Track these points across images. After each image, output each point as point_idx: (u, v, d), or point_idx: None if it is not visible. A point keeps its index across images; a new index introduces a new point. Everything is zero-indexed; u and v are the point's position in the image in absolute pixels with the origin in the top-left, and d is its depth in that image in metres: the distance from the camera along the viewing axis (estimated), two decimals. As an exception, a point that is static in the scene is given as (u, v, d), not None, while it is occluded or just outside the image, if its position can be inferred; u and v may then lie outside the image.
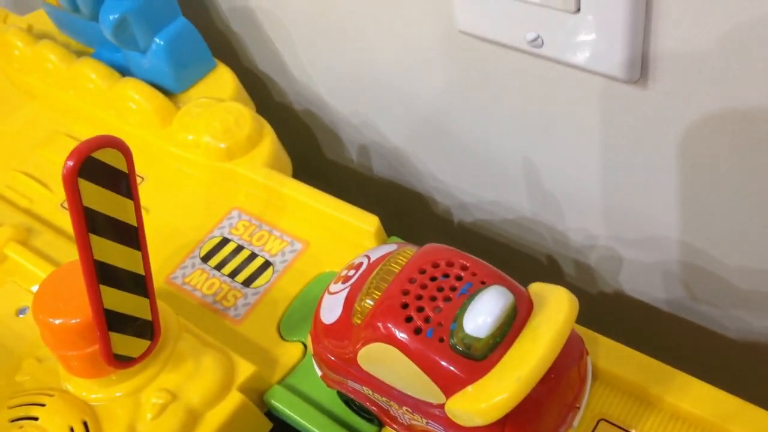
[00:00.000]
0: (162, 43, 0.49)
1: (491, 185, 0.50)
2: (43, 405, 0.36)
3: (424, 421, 0.32)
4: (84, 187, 0.30)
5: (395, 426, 0.34)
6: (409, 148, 0.54)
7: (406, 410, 0.32)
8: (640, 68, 0.35)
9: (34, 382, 0.38)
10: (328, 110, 0.57)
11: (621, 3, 0.33)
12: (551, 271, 0.53)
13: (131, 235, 0.33)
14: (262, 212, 0.46)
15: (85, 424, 0.36)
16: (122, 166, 0.31)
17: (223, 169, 0.47)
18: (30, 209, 0.50)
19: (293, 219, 0.45)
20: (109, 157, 0.30)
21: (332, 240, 0.43)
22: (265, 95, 0.60)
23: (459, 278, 0.31)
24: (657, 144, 0.37)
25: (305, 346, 0.40)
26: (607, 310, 0.51)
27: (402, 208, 0.59)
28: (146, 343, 0.36)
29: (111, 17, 0.48)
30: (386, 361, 0.31)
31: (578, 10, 0.34)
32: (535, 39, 0.37)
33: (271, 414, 0.39)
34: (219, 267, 0.44)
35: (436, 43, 0.42)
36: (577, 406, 0.32)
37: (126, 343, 0.35)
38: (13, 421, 0.36)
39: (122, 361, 0.35)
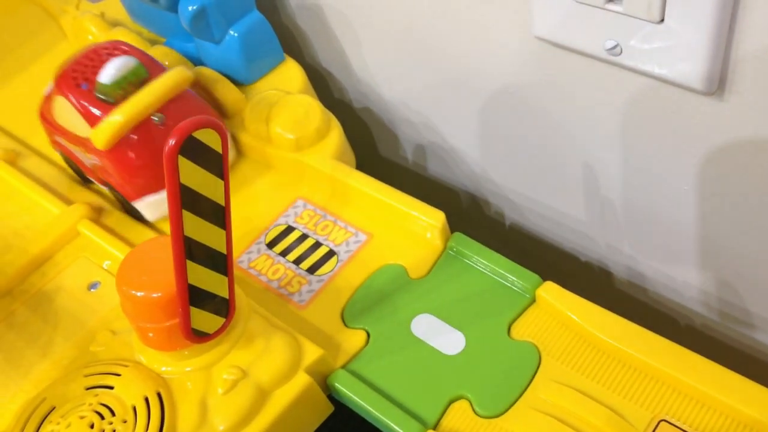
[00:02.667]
0: (236, 35, 0.51)
1: (548, 190, 0.51)
2: (118, 375, 0.38)
3: (91, 156, 0.46)
4: (182, 165, 0.31)
5: (84, 170, 0.49)
6: (468, 150, 0.55)
7: (82, 150, 0.46)
8: (718, 81, 0.36)
9: (109, 353, 0.40)
10: (388, 110, 0.58)
11: (708, 15, 0.33)
12: (601, 277, 0.53)
13: (219, 215, 0.34)
14: (327, 203, 0.47)
15: (159, 395, 0.37)
16: (218, 147, 0.32)
17: (290, 159, 0.48)
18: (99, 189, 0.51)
19: (358, 211, 0.46)
20: (207, 137, 0.32)
21: (397, 233, 0.44)
22: (325, 91, 0.61)
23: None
24: (728, 157, 0.38)
25: (368, 334, 0.41)
26: (655, 319, 0.52)
27: (454, 208, 0.60)
28: (221, 320, 0.37)
29: (190, 8, 0.49)
30: (64, 111, 0.46)
31: (662, 20, 0.35)
32: (614, 47, 0.38)
33: (332, 399, 0.40)
34: (284, 254, 0.45)
35: (510, 48, 0.44)
36: None
37: (203, 319, 0.36)
38: (89, 389, 0.38)
39: (199, 336, 0.36)
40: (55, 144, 0.50)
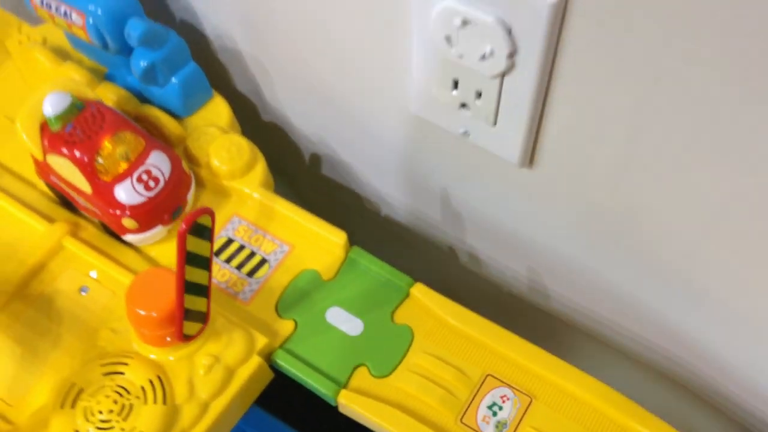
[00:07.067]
0: (177, 82, 0.64)
1: (415, 200, 0.70)
2: (126, 364, 0.54)
3: (88, 204, 0.60)
4: (188, 239, 0.47)
5: (76, 205, 0.62)
6: (349, 161, 0.72)
7: (82, 198, 0.59)
8: (529, 159, 0.55)
9: (113, 347, 0.55)
10: (292, 128, 0.74)
11: (522, 125, 0.52)
12: (450, 258, 0.74)
13: (206, 263, 0.50)
14: (257, 220, 0.63)
15: (159, 377, 0.53)
16: (209, 224, 0.48)
17: (226, 185, 0.64)
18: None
19: (282, 227, 0.62)
20: (204, 219, 0.47)
21: (311, 245, 0.61)
22: (243, 115, 0.75)
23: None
24: (532, 207, 0.59)
25: (296, 322, 0.59)
26: (487, 290, 0.74)
27: (343, 202, 0.78)
28: (200, 325, 0.53)
29: (142, 63, 0.62)
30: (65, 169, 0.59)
31: (495, 123, 0.54)
32: (465, 132, 0.56)
33: (272, 368, 0.58)
34: (228, 261, 0.61)
35: (393, 116, 0.61)
36: None
37: (190, 326, 0.52)
38: (105, 374, 0.54)
39: (186, 338, 0.53)
40: (50, 182, 0.62)
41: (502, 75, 0.47)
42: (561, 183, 0.55)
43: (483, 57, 0.46)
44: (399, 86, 0.58)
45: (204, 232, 0.48)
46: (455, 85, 0.52)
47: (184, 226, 0.46)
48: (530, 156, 0.55)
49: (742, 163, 0.44)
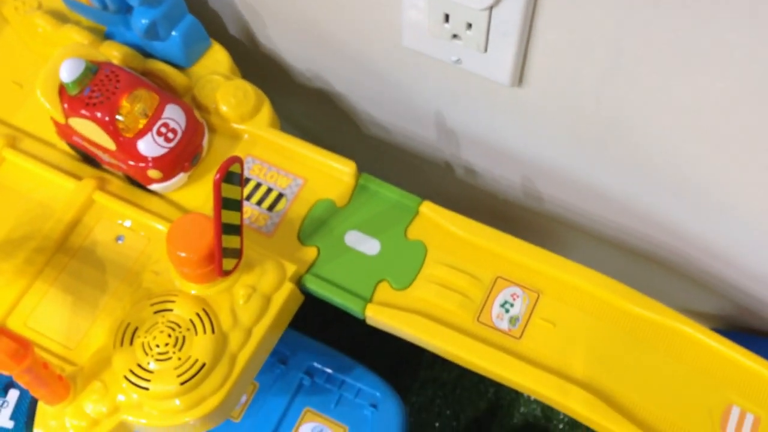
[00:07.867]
0: (177, 35, 0.67)
1: (411, 123, 0.75)
2: (173, 301, 0.59)
3: (113, 159, 0.64)
4: (223, 186, 0.52)
5: (99, 161, 0.66)
6: (346, 93, 0.77)
7: (107, 155, 0.64)
8: (519, 79, 0.60)
9: (157, 288, 0.61)
10: (288, 67, 0.78)
11: (510, 50, 0.57)
12: (447, 173, 0.79)
13: (237, 206, 0.55)
14: (269, 158, 0.68)
15: (204, 310, 0.59)
16: (238, 171, 0.53)
17: (235, 129, 0.68)
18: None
19: (294, 162, 0.67)
20: (235, 167, 0.52)
21: (323, 177, 0.66)
22: (239, 60, 0.78)
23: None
24: (520, 122, 0.64)
25: (318, 248, 0.64)
26: (481, 198, 0.79)
27: (342, 131, 0.82)
28: (235, 261, 0.59)
29: (143, 21, 0.65)
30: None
31: (486, 50, 0.58)
32: (458, 60, 0.61)
33: (302, 291, 0.64)
34: (248, 198, 0.66)
35: (385, 49, 0.65)
36: None
37: (227, 262, 0.58)
38: (156, 312, 0.59)
39: (226, 273, 0.58)
40: (73, 142, 0.66)
41: (491, 8, 0.52)
42: (550, 98, 0.60)
43: (473, -8, 0.51)
44: (390, 20, 0.62)
45: (234, 178, 0.53)
46: (446, 18, 0.56)
47: (218, 175, 0.51)
48: (519, 76, 0.60)
49: (712, 71, 0.49)
